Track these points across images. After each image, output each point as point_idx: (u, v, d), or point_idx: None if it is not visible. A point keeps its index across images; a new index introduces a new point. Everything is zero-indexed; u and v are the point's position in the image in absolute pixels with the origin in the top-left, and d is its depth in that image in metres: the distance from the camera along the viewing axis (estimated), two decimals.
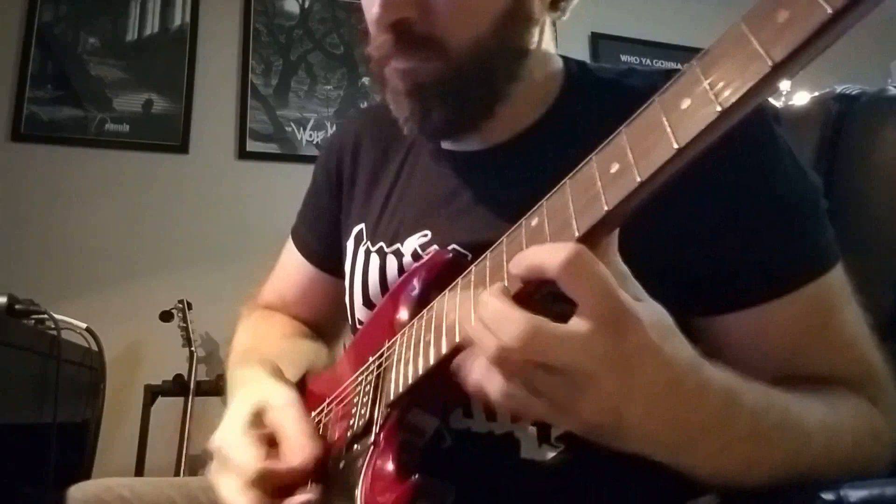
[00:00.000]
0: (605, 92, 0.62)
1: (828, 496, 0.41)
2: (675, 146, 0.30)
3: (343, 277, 0.74)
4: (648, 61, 3.17)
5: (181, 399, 2.05)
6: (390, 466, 0.49)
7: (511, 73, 0.61)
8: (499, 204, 0.61)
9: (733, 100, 0.28)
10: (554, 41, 0.67)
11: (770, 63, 0.26)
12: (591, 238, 0.35)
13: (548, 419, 0.39)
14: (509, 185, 0.61)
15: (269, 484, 0.52)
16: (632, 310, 0.34)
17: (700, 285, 0.54)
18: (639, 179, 0.31)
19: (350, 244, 0.73)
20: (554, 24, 0.67)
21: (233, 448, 0.55)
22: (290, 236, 0.87)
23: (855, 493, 0.42)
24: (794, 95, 1.06)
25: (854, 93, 0.79)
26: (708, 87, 0.29)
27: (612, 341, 0.34)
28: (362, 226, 0.72)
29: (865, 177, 0.75)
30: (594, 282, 0.34)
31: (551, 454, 0.56)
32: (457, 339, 0.43)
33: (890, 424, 0.51)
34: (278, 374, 0.65)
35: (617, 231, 0.37)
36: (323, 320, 0.86)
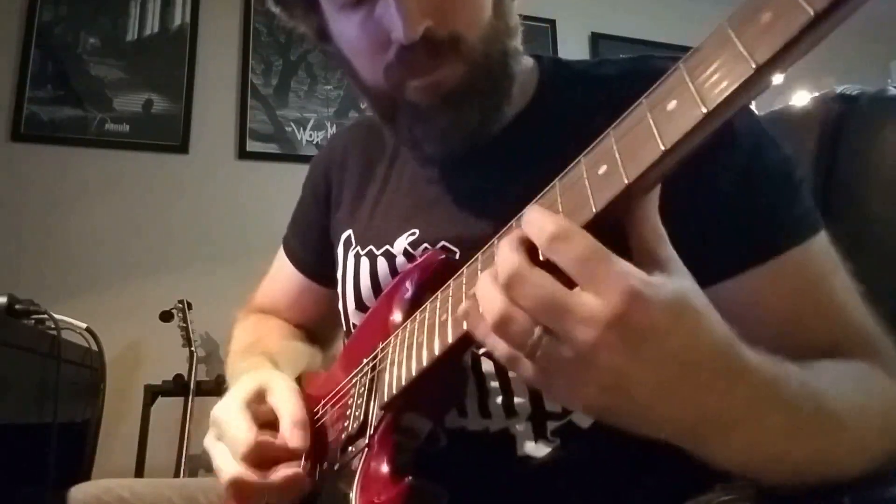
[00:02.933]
0: (581, 82, 0.63)
1: None
2: (662, 148, 0.30)
3: (333, 287, 0.75)
4: None
5: (181, 399, 2.05)
6: (384, 468, 0.49)
7: (516, 50, 0.62)
8: (485, 200, 0.62)
9: (719, 100, 0.28)
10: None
11: (754, 65, 0.26)
12: None
13: (559, 398, 0.38)
14: (494, 181, 0.62)
15: (262, 457, 0.56)
16: (644, 292, 0.33)
17: (683, 258, 0.53)
18: (626, 181, 0.32)
19: (340, 251, 0.74)
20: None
21: (231, 420, 0.59)
22: (282, 246, 0.89)
23: None
24: (794, 95, 1.06)
25: (854, 93, 0.79)
26: (694, 90, 0.29)
27: (616, 316, 0.33)
28: (350, 231, 0.73)
29: (865, 177, 0.75)
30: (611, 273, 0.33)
31: (547, 449, 0.56)
32: (449, 340, 0.44)
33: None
34: (279, 367, 0.69)
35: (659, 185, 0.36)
36: (314, 328, 0.87)
